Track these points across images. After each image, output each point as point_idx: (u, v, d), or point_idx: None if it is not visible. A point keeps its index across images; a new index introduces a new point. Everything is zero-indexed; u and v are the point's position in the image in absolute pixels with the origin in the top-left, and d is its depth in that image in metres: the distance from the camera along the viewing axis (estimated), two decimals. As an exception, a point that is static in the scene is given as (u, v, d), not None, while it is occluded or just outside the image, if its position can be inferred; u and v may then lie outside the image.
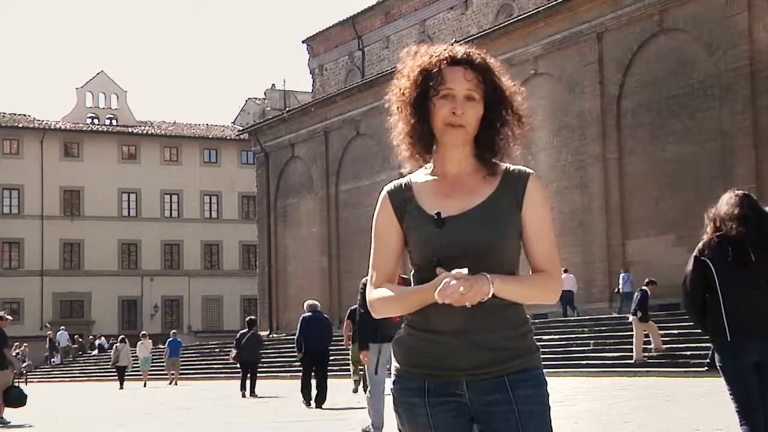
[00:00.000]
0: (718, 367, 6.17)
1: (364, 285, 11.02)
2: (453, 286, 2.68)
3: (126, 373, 34.17)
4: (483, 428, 2.90)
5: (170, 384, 33.19)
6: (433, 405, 2.88)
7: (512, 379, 2.85)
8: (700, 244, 6.05)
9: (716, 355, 6.19)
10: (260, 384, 24.03)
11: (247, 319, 25.54)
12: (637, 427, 11.19)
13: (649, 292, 22.97)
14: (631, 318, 23.18)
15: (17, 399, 14.73)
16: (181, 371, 35.14)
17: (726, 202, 6.03)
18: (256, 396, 22.54)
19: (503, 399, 2.84)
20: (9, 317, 18.20)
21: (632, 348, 22.94)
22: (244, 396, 22.60)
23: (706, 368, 6.66)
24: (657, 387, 17.77)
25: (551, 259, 2.90)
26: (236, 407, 19.13)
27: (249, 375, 23.37)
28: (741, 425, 6.07)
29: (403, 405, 2.94)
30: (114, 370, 35.34)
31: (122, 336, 37.57)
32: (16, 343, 42.74)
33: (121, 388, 32.02)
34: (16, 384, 15.00)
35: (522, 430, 2.84)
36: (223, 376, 35.94)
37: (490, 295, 2.73)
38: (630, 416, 12.24)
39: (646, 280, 23.77)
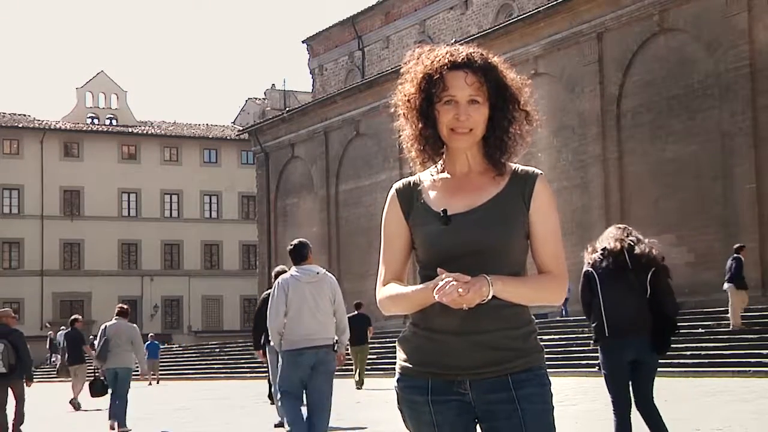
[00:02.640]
0: (600, 363, 7.35)
1: (263, 300, 11.41)
2: (452, 287, 2.68)
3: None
4: (486, 427, 2.92)
5: (149, 384, 33.52)
6: (436, 403, 2.90)
7: (515, 379, 2.86)
8: (589, 259, 7.27)
9: (599, 353, 7.33)
10: (260, 383, 24.04)
11: None
12: (638, 427, 11.18)
13: (743, 259, 21.83)
14: (726, 286, 21.97)
15: (102, 389, 16.74)
16: (181, 371, 35.23)
17: (608, 232, 7.39)
18: None
19: (506, 398, 2.85)
20: (80, 318, 22.21)
21: (730, 316, 22.18)
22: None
23: (598, 368, 7.41)
24: (657, 387, 17.75)
25: (557, 260, 2.90)
26: (236, 407, 19.13)
27: None
28: (614, 414, 7.38)
29: (406, 403, 2.96)
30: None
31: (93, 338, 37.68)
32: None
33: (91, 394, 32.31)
34: (99, 376, 17.06)
35: (525, 429, 2.85)
36: (223, 376, 35.98)
37: (489, 297, 2.74)
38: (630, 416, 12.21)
39: (736, 246, 22.61)
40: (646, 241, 7.22)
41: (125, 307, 15.23)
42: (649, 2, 30.23)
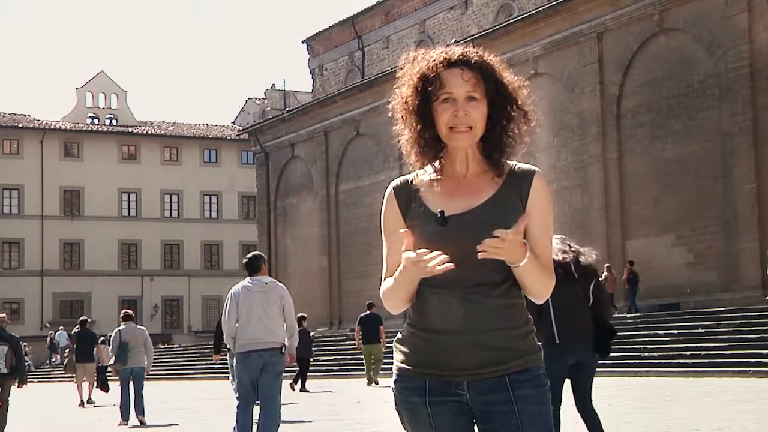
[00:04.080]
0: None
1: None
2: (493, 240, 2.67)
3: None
4: (483, 428, 2.91)
5: None
6: (433, 404, 2.88)
7: (513, 379, 2.85)
8: None
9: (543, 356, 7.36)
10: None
11: (297, 315, 26.53)
12: (637, 427, 11.20)
13: None
14: None
15: (105, 385, 17.92)
16: (181, 371, 35.17)
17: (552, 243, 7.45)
18: (307, 391, 22.94)
19: (504, 399, 2.84)
20: (89, 319, 24.33)
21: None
22: (293, 389, 23.03)
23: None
24: (657, 387, 17.77)
25: (548, 258, 2.91)
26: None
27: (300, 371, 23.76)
28: None
29: (404, 404, 2.94)
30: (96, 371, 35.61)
31: (102, 338, 37.62)
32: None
33: (98, 387, 32.33)
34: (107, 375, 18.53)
35: (522, 430, 2.85)
36: (223, 376, 35.93)
37: (521, 264, 2.73)
38: (630, 416, 12.23)
39: None
40: (584, 250, 7.77)
41: (130, 312, 16.65)
42: (649, 2, 30.24)
